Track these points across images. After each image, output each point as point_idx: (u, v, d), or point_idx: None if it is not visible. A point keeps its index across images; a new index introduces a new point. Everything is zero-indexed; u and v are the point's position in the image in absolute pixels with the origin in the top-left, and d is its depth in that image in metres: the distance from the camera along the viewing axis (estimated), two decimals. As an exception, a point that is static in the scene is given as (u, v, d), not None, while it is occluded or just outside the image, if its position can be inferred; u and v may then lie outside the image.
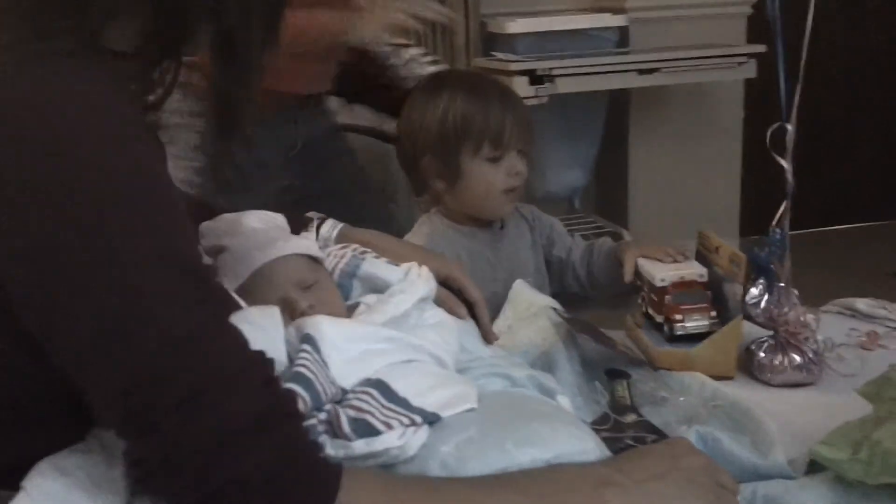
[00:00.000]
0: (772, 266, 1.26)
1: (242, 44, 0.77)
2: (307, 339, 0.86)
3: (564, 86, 3.04)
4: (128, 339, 0.66)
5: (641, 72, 3.14)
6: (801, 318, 1.24)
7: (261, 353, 0.74)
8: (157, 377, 0.66)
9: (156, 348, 0.66)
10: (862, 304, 1.48)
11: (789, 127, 1.21)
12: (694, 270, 1.31)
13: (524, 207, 1.63)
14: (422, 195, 1.61)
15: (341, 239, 1.21)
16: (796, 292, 1.27)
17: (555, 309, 1.34)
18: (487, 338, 1.19)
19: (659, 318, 1.32)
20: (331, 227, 1.22)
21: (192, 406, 0.66)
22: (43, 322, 0.68)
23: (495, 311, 1.39)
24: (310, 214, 1.22)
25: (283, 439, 0.69)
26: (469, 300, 1.21)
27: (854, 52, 4.11)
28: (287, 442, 0.70)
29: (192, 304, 0.69)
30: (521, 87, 2.99)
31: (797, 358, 1.24)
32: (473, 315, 1.21)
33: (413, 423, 0.83)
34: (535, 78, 3.02)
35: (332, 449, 0.80)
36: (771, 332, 1.26)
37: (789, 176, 1.24)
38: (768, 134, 1.20)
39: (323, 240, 1.19)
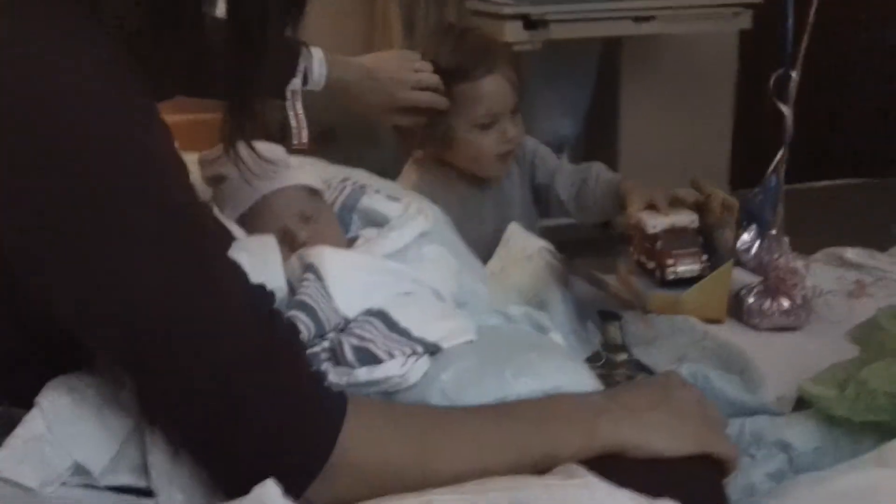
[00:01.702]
0: (764, 213, 1.27)
1: (255, 26, 0.75)
2: (310, 268, 0.87)
3: (558, 31, 3.01)
4: (126, 285, 0.66)
5: (637, 19, 3.12)
6: (791, 265, 1.26)
7: (260, 287, 0.74)
8: (158, 318, 0.66)
9: (154, 290, 0.66)
10: (851, 253, 1.50)
11: (793, 74, 1.22)
12: (685, 217, 1.32)
13: None
14: (412, 152, 1.59)
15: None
16: (787, 239, 1.29)
17: (549, 251, 1.35)
18: None
19: (650, 265, 1.33)
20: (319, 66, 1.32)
21: (195, 343, 0.67)
22: (41, 279, 0.67)
23: (487, 252, 1.40)
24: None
25: (286, 370, 0.70)
26: None
27: (851, 13, 4.09)
28: (290, 372, 0.70)
29: (190, 244, 0.68)
30: (515, 31, 2.96)
31: (786, 303, 1.26)
32: None
33: (414, 353, 0.84)
34: (529, 23, 2.99)
35: (334, 376, 0.82)
36: (761, 278, 1.28)
37: (789, 123, 1.24)
38: (772, 80, 1.20)
39: (315, 83, 1.30)
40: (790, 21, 1.17)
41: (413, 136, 1.53)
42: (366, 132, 3.48)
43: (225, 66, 0.78)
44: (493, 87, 1.47)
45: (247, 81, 0.79)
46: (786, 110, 1.23)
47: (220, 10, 0.77)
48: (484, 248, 1.41)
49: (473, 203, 1.56)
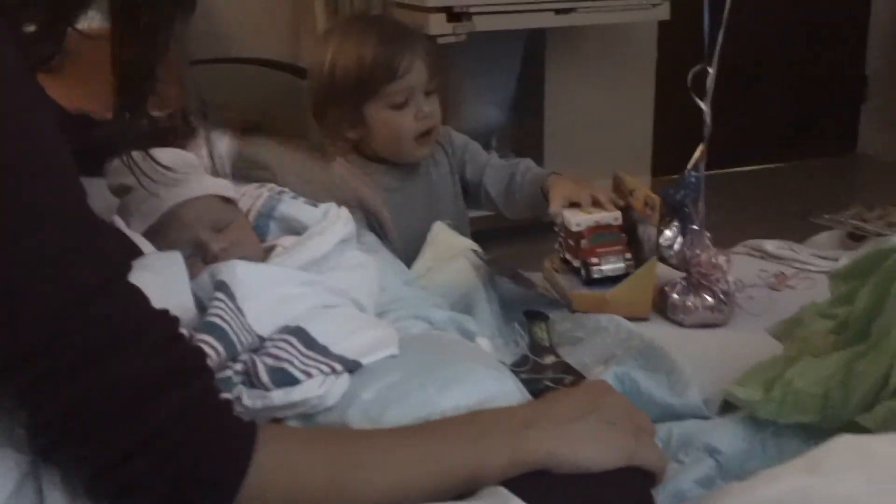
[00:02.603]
0: (686, 208, 1.27)
1: (146, 16, 0.72)
2: (221, 285, 0.83)
3: (482, 24, 3.01)
4: (17, 305, 0.62)
5: (558, 11, 3.14)
6: (713, 260, 1.26)
7: (163, 311, 0.70)
8: (50, 343, 0.62)
9: (47, 314, 0.62)
10: (770, 245, 1.52)
11: (711, 70, 1.22)
12: (609, 214, 1.32)
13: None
14: (335, 142, 1.57)
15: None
16: (709, 235, 1.29)
17: (474, 251, 1.33)
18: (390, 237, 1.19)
19: (576, 263, 1.32)
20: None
21: (89, 369, 0.63)
22: None
23: (417, 244, 1.38)
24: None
25: (189, 399, 0.66)
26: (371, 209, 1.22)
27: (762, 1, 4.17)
28: (194, 401, 0.66)
29: (83, 263, 0.64)
30: (439, 24, 2.95)
31: (709, 299, 1.26)
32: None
33: (333, 371, 0.81)
34: (453, 15, 2.98)
35: (249, 399, 0.78)
36: (684, 274, 1.28)
37: (708, 118, 1.25)
38: (689, 76, 1.20)
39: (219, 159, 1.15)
40: (707, 18, 1.17)
41: (334, 122, 1.51)
42: (291, 125, 3.43)
43: (114, 63, 0.74)
44: (405, 64, 1.44)
45: (135, 74, 0.75)
46: (704, 106, 1.23)
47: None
48: (413, 240, 1.40)
49: (401, 195, 1.54)
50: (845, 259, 1.39)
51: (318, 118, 1.54)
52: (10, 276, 0.62)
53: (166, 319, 0.69)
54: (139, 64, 0.75)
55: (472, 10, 2.98)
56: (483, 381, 0.84)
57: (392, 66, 1.44)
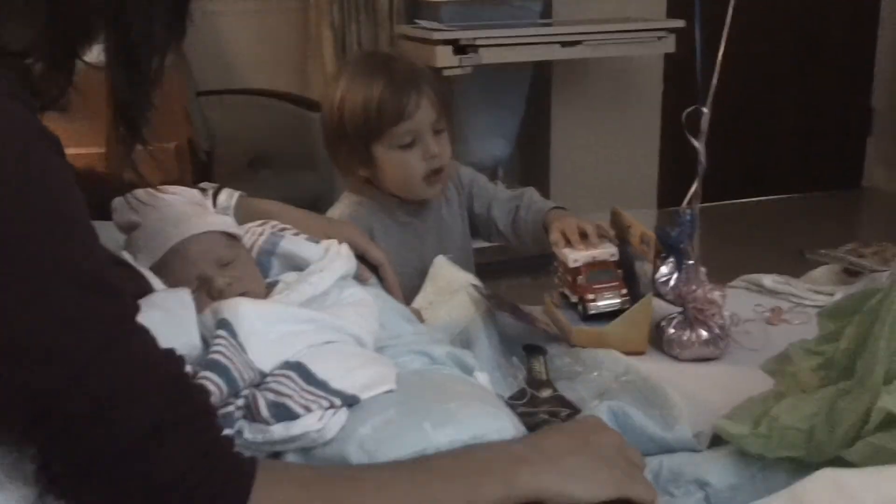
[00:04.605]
0: (681, 245, 1.29)
1: (140, 47, 0.74)
2: (223, 323, 0.86)
3: (488, 56, 3.06)
4: (26, 359, 0.64)
5: (564, 44, 3.18)
6: (709, 296, 1.28)
7: (169, 351, 0.73)
8: (59, 398, 0.65)
9: (55, 371, 0.65)
10: (768, 280, 1.54)
11: (705, 110, 1.25)
12: (605, 251, 1.34)
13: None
14: (347, 177, 1.59)
15: (240, 208, 1.18)
16: (704, 270, 1.32)
17: (475, 286, 1.36)
18: (394, 295, 1.19)
19: (574, 298, 1.35)
20: (228, 196, 1.19)
21: (96, 417, 0.66)
22: None
23: (424, 280, 1.40)
24: (203, 185, 1.19)
25: (191, 437, 0.69)
26: (373, 263, 1.21)
27: (766, 34, 4.20)
28: (196, 440, 0.69)
29: (92, 321, 0.67)
30: (445, 56, 2.99)
31: (704, 333, 1.29)
32: (379, 277, 1.22)
33: (332, 406, 0.83)
34: (459, 48, 3.02)
35: (250, 434, 0.81)
36: (680, 309, 1.31)
37: (702, 158, 1.27)
38: (683, 116, 1.23)
39: (221, 209, 1.16)
40: (699, 59, 1.20)
41: (347, 160, 1.53)
42: (300, 158, 3.46)
43: (110, 93, 0.77)
44: (412, 106, 1.47)
45: (132, 107, 0.78)
46: (698, 145, 1.26)
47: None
48: (423, 273, 1.42)
49: (412, 230, 1.57)
50: (840, 294, 1.41)
51: (331, 154, 1.57)
52: (16, 332, 0.64)
53: (171, 360, 0.72)
54: (134, 95, 0.77)
55: (479, 42, 3.03)
56: (478, 417, 0.86)
57: (398, 108, 1.46)
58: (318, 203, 3.08)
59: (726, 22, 1.20)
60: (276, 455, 0.83)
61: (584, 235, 1.38)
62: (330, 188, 3.23)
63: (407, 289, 1.34)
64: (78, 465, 0.67)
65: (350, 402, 0.85)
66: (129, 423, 0.66)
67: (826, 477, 0.72)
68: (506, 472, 0.78)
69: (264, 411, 0.81)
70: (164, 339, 0.73)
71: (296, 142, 3.46)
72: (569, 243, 1.38)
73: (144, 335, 0.71)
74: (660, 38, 3.26)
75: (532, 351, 1.25)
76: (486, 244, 1.73)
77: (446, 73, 3.00)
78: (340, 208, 1.56)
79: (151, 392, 0.68)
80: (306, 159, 3.43)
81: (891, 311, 0.86)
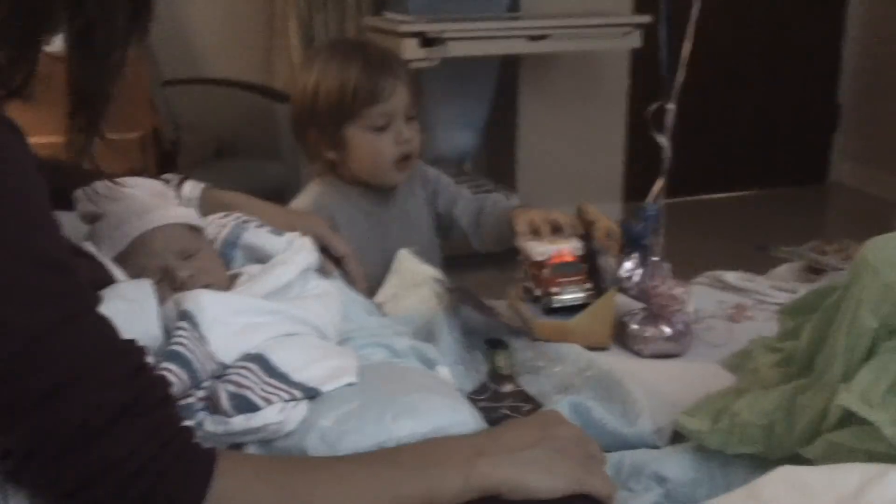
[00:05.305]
0: (646, 240, 1.30)
1: (102, 38, 0.74)
2: (185, 314, 0.85)
3: (455, 49, 3.05)
4: None
5: (531, 38, 3.18)
6: (672, 292, 1.29)
7: (129, 342, 0.73)
8: (17, 373, 0.65)
9: (13, 345, 0.65)
10: (731, 276, 1.55)
11: (670, 106, 1.25)
12: (570, 245, 1.35)
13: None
14: (314, 163, 1.59)
15: (205, 200, 1.17)
16: (668, 266, 1.32)
17: (438, 280, 1.36)
18: (358, 287, 1.20)
19: (537, 292, 1.35)
20: (192, 187, 1.18)
21: (54, 399, 0.66)
22: None
23: (388, 271, 1.40)
24: (167, 176, 1.18)
25: (151, 428, 0.69)
26: (336, 255, 1.21)
27: (733, 29, 4.23)
28: (156, 430, 0.69)
29: (51, 297, 0.67)
30: (412, 49, 2.99)
31: (667, 330, 1.29)
32: (343, 269, 1.22)
33: (293, 398, 0.83)
34: (426, 40, 3.02)
35: (211, 425, 0.80)
36: (644, 305, 1.31)
37: (667, 153, 1.28)
38: (650, 113, 1.24)
39: (185, 200, 1.16)
40: (665, 55, 1.21)
41: (314, 142, 1.53)
42: (265, 148, 3.45)
43: (69, 85, 0.76)
44: (388, 89, 1.48)
45: (91, 96, 0.77)
46: (663, 142, 1.26)
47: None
48: (387, 265, 1.42)
49: (376, 219, 1.57)
50: (803, 291, 1.43)
51: (298, 138, 1.56)
52: None
53: (132, 350, 0.72)
54: (94, 85, 0.77)
55: (446, 35, 3.02)
56: (438, 410, 0.87)
57: (375, 89, 1.47)
58: (283, 191, 3.08)
59: (692, 18, 1.21)
60: (237, 447, 0.83)
61: (555, 227, 1.38)
62: (295, 177, 3.23)
63: (370, 279, 1.34)
64: (33, 447, 0.66)
65: (311, 394, 0.85)
66: (84, 406, 0.66)
67: (784, 473, 0.73)
68: (464, 464, 0.78)
69: (225, 403, 0.80)
70: (126, 330, 0.73)
71: (261, 131, 3.45)
72: (537, 235, 1.38)
73: (103, 322, 0.71)
74: (626, 33, 3.28)
75: (494, 345, 1.25)
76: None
77: (413, 65, 2.99)
78: (304, 198, 1.56)
79: (109, 377, 0.68)
80: (271, 148, 3.43)
81: (849, 309, 0.87)
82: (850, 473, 0.75)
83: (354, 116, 1.48)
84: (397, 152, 1.51)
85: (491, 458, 0.80)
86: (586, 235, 1.37)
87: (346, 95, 1.47)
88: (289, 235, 1.10)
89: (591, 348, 1.26)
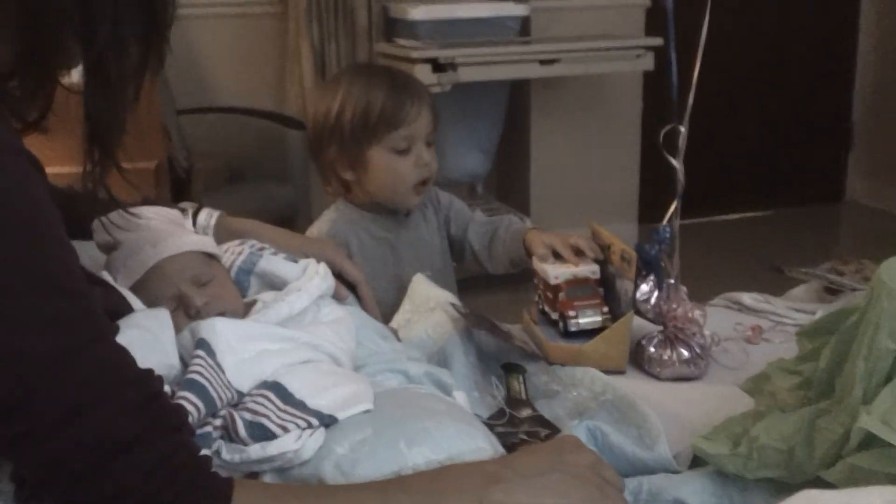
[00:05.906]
0: (661, 263, 1.30)
1: (116, 71, 0.75)
2: (201, 343, 0.85)
3: (467, 74, 3.06)
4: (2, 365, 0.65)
5: (542, 62, 3.19)
6: (689, 314, 1.28)
7: (146, 371, 0.73)
8: (32, 400, 0.65)
9: (29, 372, 0.65)
10: (747, 298, 1.54)
11: (682, 128, 1.25)
12: (586, 268, 1.34)
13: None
14: (328, 184, 1.60)
15: (219, 228, 1.19)
16: (685, 289, 1.32)
17: (453, 304, 1.35)
18: (371, 313, 1.21)
19: (554, 315, 1.34)
20: (207, 216, 1.20)
21: (69, 427, 0.66)
22: None
23: (402, 296, 1.40)
24: (183, 205, 1.19)
25: (166, 455, 0.69)
26: (350, 281, 1.22)
27: (745, 48, 4.24)
28: (172, 458, 0.69)
29: (65, 325, 0.68)
30: (424, 74, 3.00)
31: (685, 352, 1.28)
32: (356, 294, 1.22)
33: (309, 426, 0.83)
34: (438, 66, 3.03)
35: (227, 454, 0.80)
36: (660, 328, 1.31)
37: (681, 176, 1.28)
38: (661, 135, 1.23)
39: (201, 229, 1.17)
40: (675, 77, 1.21)
41: (332, 162, 1.54)
42: (277, 173, 3.47)
43: (84, 116, 0.77)
44: (413, 113, 1.49)
45: (104, 126, 0.78)
46: (676, 164, 1.26)
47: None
48: (401, 290, 1.42)
49: (388, 245, 1.57)
50: (821, 312, 1.42)
51: (314, 156, 1.58)
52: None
53: (149, 379, 0.72)
54: (108, 117, 0.78)
55: (457, 61, 3.04)
56: (455, 436, 0.86)
57: (401, 112, 1.49)
58: (294, 215, 3.11)
59: (701, 40, 1.21)
60: (254, 475, 0.83)
61: (577, 251, 1.37)
62: (305, 201, 3.27)
63: (384, 304, 1.34)
64: (48, 475, 0.67)
65: (327, 422, 0.85)
66: (99, 433, 0.67)
67: (806, 498, 0.72)
68: (478, 491, 0.78)
69: (242, 431, 0.80)
70: (143, 359, 0.73)
71: (272, 157, 3.49)
72: (557, 258, 1.38)
73: (118, 350, 0.71)
74: (638, 55, 3.28)
75: (511, 370, 1.25)
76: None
77: (425, 90, 3.01)
78: (320, 225, 1.57)
79: (123, 405, 0.68)
80: (282, 174, 3.47)
81: (867, 332, 0.86)
82: (872, 497, 0.74)
83: (377, 138, 1.50)
84: (417, 176, 1.52)
85: (505, 484, 0.79)
86: (601, 259, 1.37)
87: (371, 116, 1.49)
88: (303, 262, 1.11)
89: (608, 372, 1.25)
